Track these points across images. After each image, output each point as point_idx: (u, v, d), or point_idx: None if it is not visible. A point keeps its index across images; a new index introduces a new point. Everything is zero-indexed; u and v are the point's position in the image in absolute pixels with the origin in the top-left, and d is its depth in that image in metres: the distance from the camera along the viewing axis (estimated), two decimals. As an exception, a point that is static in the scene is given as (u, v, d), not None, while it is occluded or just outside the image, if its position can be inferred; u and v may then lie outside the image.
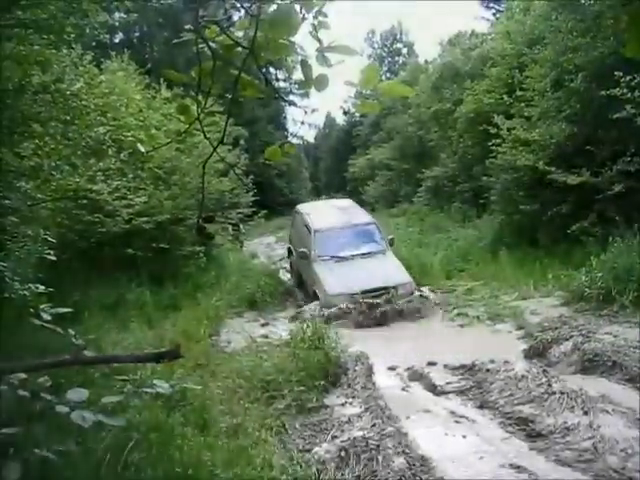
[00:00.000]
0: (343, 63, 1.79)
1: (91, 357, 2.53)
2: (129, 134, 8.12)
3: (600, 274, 8.24)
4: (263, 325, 9.89)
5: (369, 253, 11.44)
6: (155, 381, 2.03)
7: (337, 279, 10.32)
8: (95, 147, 7.88)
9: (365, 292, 9.77)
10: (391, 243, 12.05)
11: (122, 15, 13.54)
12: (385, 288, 9.92)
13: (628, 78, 9.12)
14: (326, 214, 13.07)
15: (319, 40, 1.69)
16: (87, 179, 9.12)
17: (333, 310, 9.50)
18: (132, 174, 10.30)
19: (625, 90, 9.14)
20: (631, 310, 7.33)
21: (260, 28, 1.62)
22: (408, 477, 3.27)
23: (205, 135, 2.15)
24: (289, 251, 14.06)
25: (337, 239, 11.69)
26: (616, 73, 9.38)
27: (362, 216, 13.15)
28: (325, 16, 1.77)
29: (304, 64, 1.73)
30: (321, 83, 1.78)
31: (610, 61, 10.82)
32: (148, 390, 2.04)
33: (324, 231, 11.86)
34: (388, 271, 10.75)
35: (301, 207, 14.26)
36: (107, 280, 10.29)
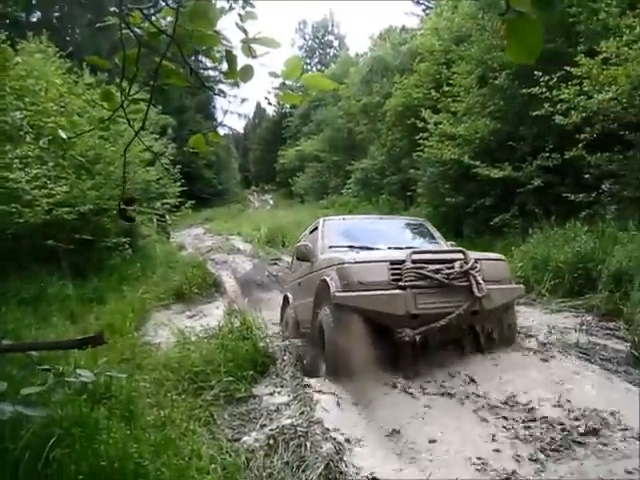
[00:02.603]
0: (275, 54, 1.81)
1: (8, 345, 2.44)
2: (49, 120, 7.78)
3: (520, 264, 8.59)
4: (191, 317, 9.76)
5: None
6: (79, 370, 1.97)
7: (363, 254, 5.70)
8: (11, 133, 7.52)
9: (419, 260, 5.22)
10: None
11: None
12: (459, 256, 5.36)
13: (546, 78, 9.51)
14: None
15: (244, 31, 1.70)
16: (2, 166, 8.68)
17: (354, 294, 5.04)
18: (52, 162, 9.85)
19: (544, 89, 9.54)
20: (548, 298, 7.69)
21: (181, 19, 1.61)
22: (336, 461, 3.35)
23: (129, 122, 2.11)
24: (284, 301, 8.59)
25: (362, 228, 7.48)
26: (535, 73, 9.77)
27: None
28: (252, 6, 1.78)
29: (229, 54, 1.73)
30: (246, 74, 1.78)
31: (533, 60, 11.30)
32: (71, 380, 1.98)
33: (339, 220, 7.83)
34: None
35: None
36: (26, 273, 9.86)
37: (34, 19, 30.94)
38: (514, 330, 5.66)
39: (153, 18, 1.79)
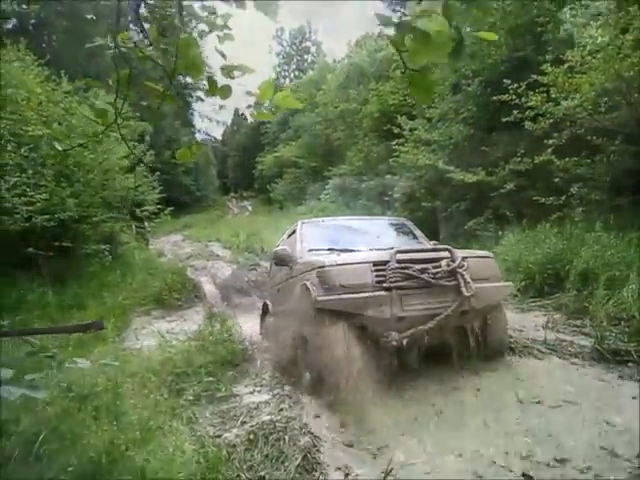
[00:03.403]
0: (254, 58, 2.00)
1: (27, 329, 2.59)
2: (29, 128, 7.86)
3: (493, 266, 8.85)
4: (171, 322, 9.86)
5: None
6: (75, 358, 2.13)
7: (345, 256, 5.38)
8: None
9: (403, 259, 4.92)
10: None
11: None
12: (446, 254, 5.12)
13: (515, 85, 9.82)
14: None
15: (223, 55, 1.89)
16: (-18, 175, 8.75)
17: (337, 298, 4.73)
18: (32, 170, 9.91)
19: (513, 96, 9.84)
20: (520, 298, 7.97)
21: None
22: (313, 453, 3.53)
23: (123, 138, 2.28)
24: (263, 308, 8.15)
25: (342, 229, 7.19)
26: (504, 80, 10.08)
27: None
28: (229, 29, 1.97)
29: (210, 80, 1.92)
30: (225, 93, 1.98)
31: (503, 68, 11.65)
32: (70, 366, 2.14)
33: (318, 222, 7.63)
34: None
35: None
36: (5, 280, 9.87)
37: (9, 26, 30.60)
38: (505, 335, 5.50)
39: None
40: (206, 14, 1.84)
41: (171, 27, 1.79)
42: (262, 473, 3.36)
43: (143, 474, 3.05)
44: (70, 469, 2.84)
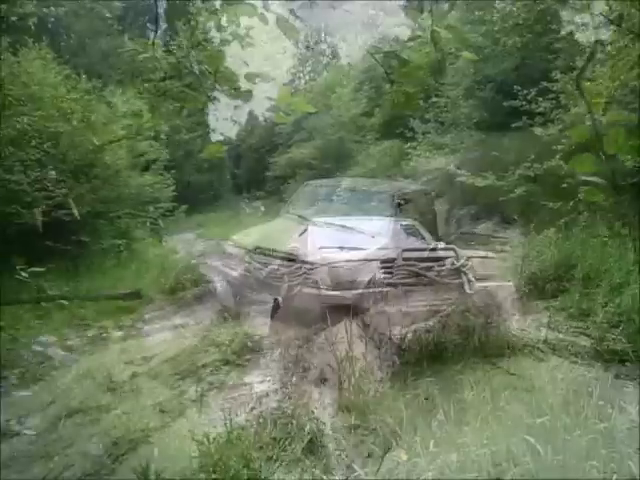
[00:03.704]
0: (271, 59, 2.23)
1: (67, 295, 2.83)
2: (52, 125, 8.12)
3: (500, 268, 9.00)
4: (184, 316, 10.06)
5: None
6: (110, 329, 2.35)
7: (354, 253, 5.78)
8: (14, 137, 7.85)
9: (410, 258, 5.16)
10: None
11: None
12: (451, 254, 5.31)
13: (525, 92, 9.97)
14: None
15: (246, 63, 2.10)
16: (4, 169, 9.00)
17: (346, 294, 5.06)
18: (52, 165, 10.16)
19: (524, 102, 9.99)
20: (524, 299, 8.09)
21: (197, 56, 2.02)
22: (319, 436, 3.74)
23: (157, 137, 2.50)
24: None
25: (352, 229, 7.47)
26: (515, 87, 10.24)
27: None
28: (251, 37, 2.19)
29: (237, 90, 2.14)
30: (246, 97, 2.20)
31: (515, 74, 11.81)
32: (103, 334, 2.35)
33: (329, 221, 8.23)
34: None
35: None
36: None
37: (29, 24, 30.97)
38: (507, 333, 5.60)
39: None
40: (231, 26, 2.05)
41: (204, 40, 2.01)
42: (270, 454, 3.57)
43: (159, 452, 3.27)
44: (93, 441, 3.06)
